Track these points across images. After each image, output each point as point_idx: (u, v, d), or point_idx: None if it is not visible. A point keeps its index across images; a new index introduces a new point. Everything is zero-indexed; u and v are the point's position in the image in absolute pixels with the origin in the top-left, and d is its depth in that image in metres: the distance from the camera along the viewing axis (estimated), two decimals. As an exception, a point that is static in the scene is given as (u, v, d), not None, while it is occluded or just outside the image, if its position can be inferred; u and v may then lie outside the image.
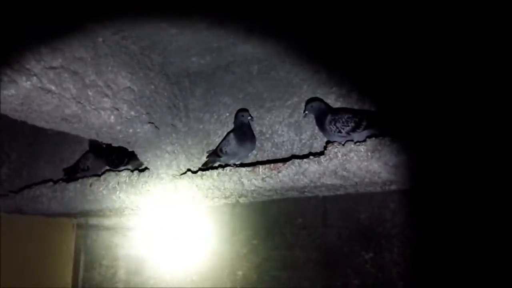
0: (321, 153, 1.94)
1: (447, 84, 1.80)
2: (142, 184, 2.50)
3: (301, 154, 2.22)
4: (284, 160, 2.04)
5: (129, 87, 2.06)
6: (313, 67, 2.26)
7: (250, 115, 2.26)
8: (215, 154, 2.38)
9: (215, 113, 2.55)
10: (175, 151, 2.47)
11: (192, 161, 2.57)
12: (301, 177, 1.99)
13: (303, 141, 2.25)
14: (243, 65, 2.44)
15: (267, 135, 2.36)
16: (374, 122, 1.90)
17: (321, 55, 2.24)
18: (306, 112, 2.04)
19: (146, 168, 2.50)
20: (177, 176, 2.40)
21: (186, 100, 2.57)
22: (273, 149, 2.33)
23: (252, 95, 2.43)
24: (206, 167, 2.41)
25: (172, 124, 2.43)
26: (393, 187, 2.12)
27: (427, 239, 2.69)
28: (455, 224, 2.01)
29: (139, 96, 2.12)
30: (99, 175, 2.76)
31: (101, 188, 2.67)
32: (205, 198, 2.43)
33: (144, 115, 2.13)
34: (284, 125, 2.31)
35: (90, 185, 2.72)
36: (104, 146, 2.78)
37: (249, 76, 2.45)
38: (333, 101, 2.16)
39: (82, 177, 2.76)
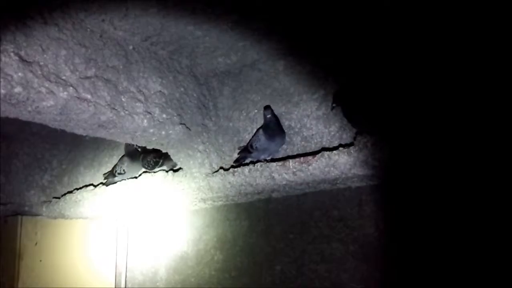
0: (351, 144, 1.94)
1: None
2: (177, 184, 2.58)
3: (331, 146, 2.22)
4: (314, 153, 2.05)
5: (160, 91, 2.13)
6: (337, 60, 2.25)
7: (270, 113, 2.25)
8: (246, 150, 2.42)
9: (243, 111, 2.58)
10: (207, 150, 2.53)
11: (224, 158, 2.62)
12: (332, 169, 2.00)
13: (332, 133, 2.24)
14: (268, 62, 2.46)
15: (296, 129, 2.37)
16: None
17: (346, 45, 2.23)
18: (334, 104, 2.04)
19: (180, 168, 2.58)
20: (210, 175, 2.46)
21: (215, 100, 2.63)
22: (303, 142, 2.34)
23: (279, 91, 2.45)
24: (237, 164, 2.46)
25: (202, 124, 2.49)
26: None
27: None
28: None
29: (170, 99, 2.18)
30: (136, 177, 2.87)
31: (138, 190, 2.78)
32: (238, 195, 2.47)
33: (175, 117, 2.20)
34: (312, 118, 2.32)
35: (128, 187, 2.84)
36: (139, 149, 2.88)
37: (275, 72, 2.46)
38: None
39: (120, 180, 2.87)
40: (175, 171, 2.69)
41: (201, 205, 2.88)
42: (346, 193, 2.42)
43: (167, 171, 2.73)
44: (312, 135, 2.31)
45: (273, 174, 2.17)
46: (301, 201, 2.59)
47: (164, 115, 2.14)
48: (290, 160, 2.12)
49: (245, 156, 2.45)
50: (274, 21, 2.08)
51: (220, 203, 2.77)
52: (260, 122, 2.49)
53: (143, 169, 2.97)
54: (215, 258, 2.93)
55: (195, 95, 2.41)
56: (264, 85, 2.51)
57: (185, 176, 2.55)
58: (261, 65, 2.50)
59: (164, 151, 2.48)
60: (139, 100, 1.98)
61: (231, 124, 2.64)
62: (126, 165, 2.97)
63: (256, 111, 2.55)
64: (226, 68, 2.55)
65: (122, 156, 3.03)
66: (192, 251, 3.07)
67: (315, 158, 2.04)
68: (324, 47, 2.28)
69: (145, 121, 2.01)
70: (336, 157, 1.95)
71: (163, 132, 2.16)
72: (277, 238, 2.68)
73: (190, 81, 2.40)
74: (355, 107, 1.96)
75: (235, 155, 2.55)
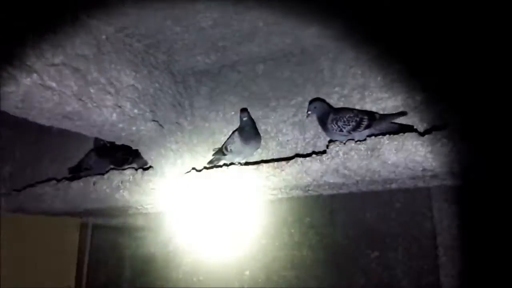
0: (324, 152, 1.92)
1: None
2: (147, 183, 2.49)
3: (305, 153, 2.19)
4: (287, 159, 2.01)
5: (133, 85, 2.05)
6: (317, 66, 2.23)
7: (246, 115, 2.20)
8: (220, 152, 2.37)
9: (220, 112, 2.53)
10: (180, 150, 2.46)
11: (198, 159, 2.55)
12: (304, 175, 1.97)
13: (307, 140, 2.22)
14: (248, 64, 2.42)
15: (272, 134, 2.34)
16: (374, 122, 1.88)
17: (324, 55, 2.21)
18: (309, 112, 2.02)
19: (150, 167, 2.49)
20: (182, 175, 2.39)
21: (191, 99, 2.56)
22: (278, 147, 2.30)
23: (257, 94, 2.41)
24: (211, 165, 2.39)
25: (177, 123, 2.41)
26: (393, 185, 2.09)
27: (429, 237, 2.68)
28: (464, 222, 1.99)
29: (143, 94, 2.11)
30: (103, 174, 2.75)
31: (104, 187, 2.66)
32: (210, 197, 2.41)
33: (148, 113, 2.12)
34: (288, 124, 2.29)
35: (94, 184, 2.72)
36: (108, 144, 2.78)
37: (254, 75, 2.43)
38: (336, 101, 2.15)
39: (86, 176, 2.75)
40: (145, 169, 2.59)
41: (170, 206, 2.79)
42: (319, 201, 2.40)
43: (136, 169, 2.63)
44: (288, 141, 2.28)
45: (246, 178, 2.12)
46: (275, 207, 2.56)
47: (135, 110, 2.06)
48: (264, 165, 2.07)
49: (220, 158, 2.39)
50: (256, 24, 2.04)
51: (191, 205, 2.69)
52: (237, 124, 2.44)
53: (111, 166, 2.86)
54: (184, 261, 2.85)
55: (170, 92, 2.34)
56: (243, 87, 2.46)
57: (156, 175, 2.46)
58: (241, 67, 2.45)
59: (134, 148, 2.39)
60: (109, 93, 1.90)
61: (207, 125, 2.58)
62: (93, 161, 2.86)
63: (233, 113, 2.50)
64: (205, 67, 2.49)
65: (90, 151, 2.92)
66: (161, 254, 2.98)
67: (289, 163, 2.00)
68: (303, 54, 2.27)
69: (115, 115, 1.93)
70: (309, 164, 1.92)
71: (134, 128, 2.08)
72: (250, 243, 2.64)
73: (166, 78, 2.32)
74: (330, 116, 1.95)
75: (210, 157, 2.49)
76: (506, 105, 1.53)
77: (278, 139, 2.31)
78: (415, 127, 1.85)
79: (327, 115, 1.96)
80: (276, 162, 2.04)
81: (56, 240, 3.26)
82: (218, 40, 2.20)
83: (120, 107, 1.95)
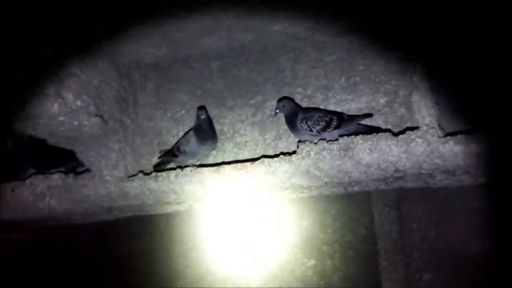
0: (293, 152, 1.84)
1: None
2: (80, 189, 2.17)
3: (266, 154, 2.09)
4: (253, 160, 1.90)
5: (76, 73, 1.77)
6: (277, 66, 2.18)
7: (205, 114, 2.06)
8: (170, 154, 2.17)
9: (169, 111, 2.33)
10: (123, 151, 2.20)
11: (141, 162, 2.31)
12: (271, 176, 1.87)
13: (268, 141, 2.14)
14: (202, 61, 2.28)
15: (229, 135, 2.21)
16: (343, 123, 1.87)
17: (285, 54, 2.17)
18: (277, 110, 1.94)
19: (86, 170, 2.18)
20: (125, 179, 2.13)
21: (135, 95, 2.32)
22: (235, 149, 2.18)
23: (212, 93, 2.27)
24: (160, 168, 2.17)
25: (120, 120, 2.16)
26: (356, 188, 2.10)
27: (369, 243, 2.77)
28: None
29: (87, 85, 1.84)
30: (24, 179, 2.35)
31: (26, 194, 2.27)
32: (157, 204, 2.18)
33: (91, 107, 1.86)
34: (247, 124, 2.19)
35: (12, 191, 2.30)
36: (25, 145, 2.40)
37: (208, 72, 2.29)
38: (299, 101, 2.10)
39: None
40: (78, 173, 2.26)
41: (106, 216, 2.48)
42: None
43: (66, 173, 2.28)
44: (246, 141, 2.18)
45: (204, 180, 1.95)
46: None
47: (78, 102, 1.79)
48: (226, 166, 1.93)
49: (169, 160, 2.19)
50: (219, 16, 1.92)
51: (130, 214, 2.41)
52: (188, 124, 2.28)
53: (33, 170, 2.46)
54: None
55: (115, 85, 2.09)
56: (196, 85, 2.30)
57: (93, 179, 2.16)
58: (194, 63, 2.30)
59: (68, 147, 2.07)
60: (51, 80, 1.61)
61: (152, 124, 2.35)
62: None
63: (183, 112, 2.32)
64: (154, 60, 2.28)
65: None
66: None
67: (254, 164, 1.89)
68: (263, 52, 2.20)
69: (56, 105, 1.64)
70: (277, 164, 1.83)
71: (76, 123, 1.80)
72: (181, 256, 2.46)
73: (111, 69, 2.08)
74: (299, 116, 1.89)
75: (155, 159, 2.27)
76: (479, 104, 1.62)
77: (236, 140, 2.19)
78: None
79: (295, 114, 1.90)
80: (239, 163, 1.92)
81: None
82: (174, 31, 2.03)
83: (62, 97, 1.66)
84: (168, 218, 2.53)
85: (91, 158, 2.10)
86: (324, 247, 2.80)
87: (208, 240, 2.73)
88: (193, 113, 2.28)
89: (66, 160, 2.36)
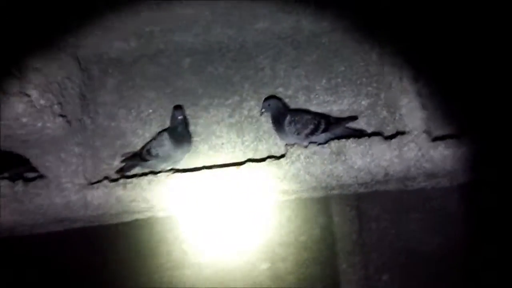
0: (282, 156, 1.77)
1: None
2: (33, 198, 1.89)
3: (244, 158, 1.99)
4: (238, 164, 1.79)
5: (38, 68, 1.53)
6: (256, 65, 2.08)
7: (181, 114, 1.92)
8: (137, 157, 1.97)
9: (133, 110, 2.13)
10: (83, 154, 1.97)
11: (100, 166, 2.08)
12: (257, 181, 1.78)
13: (246, 143, 2.04)
14: (173, 56, 2.10)
15: (203, 136, 2.07)
16: (330, 126, 1.83)
17: (264, 53, 2.08)
18: (263, 110, 1.85)
19: (39, 176, 1.91)
20: (87, 186, 1.90)
21: (94, 92, 2.08)
22: (211, 152, 2.05)
23: (184, 91, 2.11)
24: (124, 174, 1.97)
25: (80, 120, 1.92)
26: (335, 192, 2.08)
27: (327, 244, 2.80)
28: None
29: (50, 82, 1.60)
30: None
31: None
32: (124, 213, 1.97)
33: (55, 106, 1.63)
34: (223, 126, 2.07)
35: None
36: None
37: (178, 69, 2.12)
38: (278, 103, 2.03)
39: None
40: (27, 180, 1.97)
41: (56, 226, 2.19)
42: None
43: (13, 180, 1.97)
44: (223, 144, 2.05)
45: (183, 187, 1.80)
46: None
47: (42, 101, 1.54)
48: (207, 171, 1.80)
49: (135, 164, 2.00)
50: (200, 11, 1.78)
51: (96, 224, 2.16)
52: (156, 124, 2.11)
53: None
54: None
55: (77, 81, 1.85)
56: (165, 82, 2.13)
57: (47, 187, 1.89)
58: (163, 58, 2.12)
59: (21, 152, 1.79)
60: (14, 75, 1.36)
61: (113, 124, 2.13)
62: None
63: (150, 111, 2.13)
64: (118, 54, 2.06)
65: None
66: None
67: (239, 169, 1.78)
68: (240, 51, 2.09)
69: (21, 105, 1.39)
70: (266, 168, 1.75)
71: (39, 124, 1.56)
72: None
73: (74, 64, 1.84)
74: (287, 117, 1.81)
75: (117, 163, 2.05)
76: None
77: (211, 142, 2.06)
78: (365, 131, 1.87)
79: (283, 115, 1.82)
80: (223, 167, 1.80)
81: None
82: (146, 24, 1.85)
83: (27, 95, 1.41)
84: (128, 228, 2.31)
85: (48, 163, 1.84)
86: (277, 250, 2.75)
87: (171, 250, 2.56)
88: (162, 112, 2.12)
89: (10, 165, 2.04)
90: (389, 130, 1.87)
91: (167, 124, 2.06)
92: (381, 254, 2.64)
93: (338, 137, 1.77)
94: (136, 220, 2.14)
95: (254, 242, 2.70)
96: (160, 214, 2.08)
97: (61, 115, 1.68)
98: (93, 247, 2.36)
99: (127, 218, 2.09)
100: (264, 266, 2.72)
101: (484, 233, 2.36)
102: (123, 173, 1.99)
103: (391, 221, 2.66)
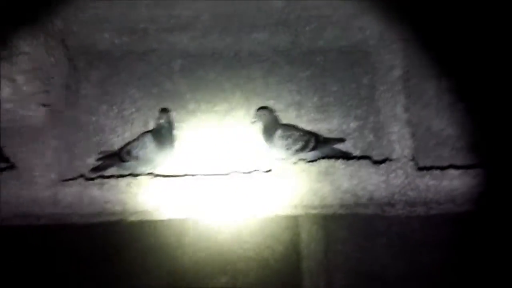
0: (269, 171, 1.74)
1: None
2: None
3: (228, 168, 1.94)
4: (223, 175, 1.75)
5: (27, 52, 1.43)
6: (249, 74, 2.05)
7: (167, 117, 1.86)
8: (115, 157, 1.88)
9: (115, 106, 2.04)
10: (59, 148, 1.85)
11: (74, 163, 1.97)
12: (239, 193, 1.74)
13: (232, 153, 2.00)
14: (164, 57, 2.04)
15: (188, 142, 2.01)
16: (319, 144, 1.83)
17: (258, 63, 2.05)
18: (255, 119, 1.82)
19: (11, 167, 1.78)
20: (61, 183, 1.79)
21: (77, 84, 1.98)
22: (194, 159, 1.99)
23: (172, 93, 2.05)
24: (98, 173, 1.87)
25: (61, 112, 1.82)
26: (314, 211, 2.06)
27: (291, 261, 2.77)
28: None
29: (38, 67, 1.50)
30: None
31: None
32: (98, 216, 1.87)
33: (42, 94, 1.53)
34: (210, 133, 2.01)
35: None
36: None
37: (168, 70, 2.06)
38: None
39: None
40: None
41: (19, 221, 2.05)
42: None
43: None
44: (208, 151, 2.01)
45: (164, 192, 1.73)
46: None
47: (29, 87, 1.44)
48: (191, 177, 1.74)
49: (112, 164, 1.90)
50: (200, 14, 1.74)
51: (63, 222, 2.03)
52: (137, 124, 2.05)
53: None
54: None
55: (64, 70, 1.75)
56: (152, 82, 2.06)
57: (17, 179, 1.76)
58: (153, 57, 2.05)
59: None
60: (2, 57, 1.27)
61: (94, 119, 2.04)
62: None
63: (133, 110, 2.06)
64: (107, 47, 1.97)
65: None
66: None
67: (223, 179, 1.74)
68: (233, 59, 2.05)
69: (7, 89, 1.29)
70: (250, 181, 1.72)
71: (22, 112, 1.46)
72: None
73: (62, 52, 1.74)
74: (279, 131, 1.79)
75: (92, 161, 1.95)
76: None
77: (196, 149, 2.01)
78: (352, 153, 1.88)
79: (274, 128, 1.80)
80: (209, 176, 1.74)
81: None
82: (142, 20, 1.79)
83: (13, 80, 1.32)
84: (96, 230, 2.19)
85: (22, 154, 1.72)
86: (239, 264, 2.70)
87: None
88: (146, 112, 2.05)
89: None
90: (375, 154, 1.89)
91: (150, 125, 1.99)
92: (345, 276, 2.64)
93: (325, 157, 1.76)
94: (106, 222, 2.03)
95: (216, 253, 2.63)
96: (133, 218, 1.99)
97: (45, 105, 1.58)
98: (55, 247, 2.22)
99: (97, 220, 1.98)
100: (224, 279, 2.66)
101: (449, 262, 2.41)
102: (98, 172, 1.89)
103: (358, 245, 2.66)
